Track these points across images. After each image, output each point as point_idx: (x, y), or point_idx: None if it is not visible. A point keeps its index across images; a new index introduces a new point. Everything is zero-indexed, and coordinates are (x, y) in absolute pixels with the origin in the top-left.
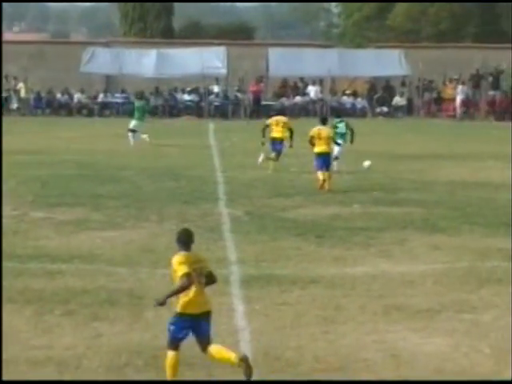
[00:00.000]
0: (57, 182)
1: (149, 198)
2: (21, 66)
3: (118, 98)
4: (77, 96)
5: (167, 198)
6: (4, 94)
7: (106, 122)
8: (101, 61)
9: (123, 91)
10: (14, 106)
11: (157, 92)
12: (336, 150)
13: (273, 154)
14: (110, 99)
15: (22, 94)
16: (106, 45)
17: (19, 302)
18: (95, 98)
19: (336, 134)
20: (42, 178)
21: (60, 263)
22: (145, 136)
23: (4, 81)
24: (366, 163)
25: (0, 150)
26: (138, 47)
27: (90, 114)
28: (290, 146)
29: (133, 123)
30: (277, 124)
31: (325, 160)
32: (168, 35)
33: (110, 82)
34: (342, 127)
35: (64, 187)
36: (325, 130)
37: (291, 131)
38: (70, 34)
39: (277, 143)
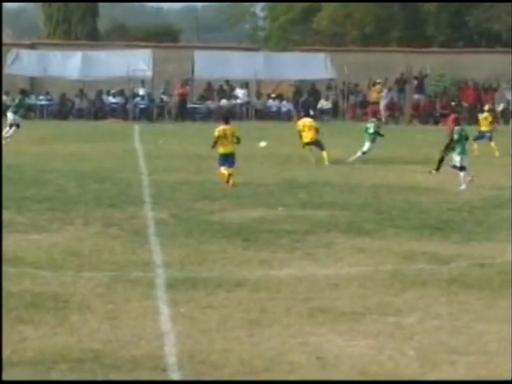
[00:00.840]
0: None
1: (74, 200)
2: None
3: (42, 100)
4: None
5: (92, 201)
6: None
7: (31, 124)
8: (25, 63)
9: (47, 93)
10: None
11: (82, 94)
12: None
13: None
14: (34, 101)
15: None
16: (31, 46)
17: None
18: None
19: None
20: None
21: None
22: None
23: None
24: (262, 144)
25: (0, 152)
26: (63, 49)
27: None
28: None
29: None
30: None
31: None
32: (93, 37)
33: (35, 84)
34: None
35: None
36: (230, 129)
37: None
38: None
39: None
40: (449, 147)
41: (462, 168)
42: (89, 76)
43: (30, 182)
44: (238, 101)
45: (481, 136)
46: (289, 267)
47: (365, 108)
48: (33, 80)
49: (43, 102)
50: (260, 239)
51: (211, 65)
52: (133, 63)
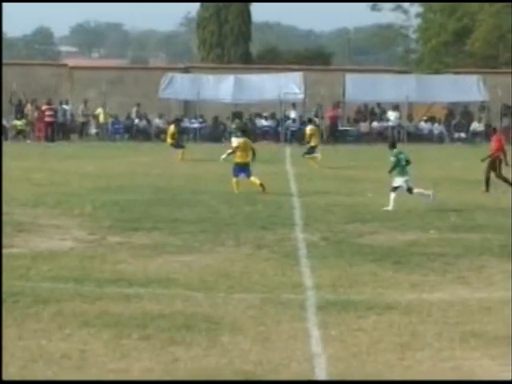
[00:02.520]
0: (135, 207)
1: (225, 222)
2: (100, 91)
3: (195, 123)
4: (155, 121)
5: (244, 223)
6: (83, 119)
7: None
8: (179, 86)
9: (201, 116)
10: (93, 131)
11: (234, 117)
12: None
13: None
14: (187, 124)
15: (101, 119)
16: (185, 70)
17: (97, 326)
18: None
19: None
20: (120, 203)
21: (137, 287)
22: None
23: (83, 106)
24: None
25: (0, 153)
26: (216, 73)
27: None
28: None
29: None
30: None
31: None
32: (246, 60)
33: (188, 108)
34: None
35: (142, 212)
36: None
37: None
38: (149, 59)
39: None
40: None
41: None
42: (241, 99)
43: (183, 203)
44: (390, 123)
45: None
46: (440, 291)
47: None
48: (186, 103)
49: (196, 125)
50: (411, 262)
51: (362, 87)
52: (284, 86)
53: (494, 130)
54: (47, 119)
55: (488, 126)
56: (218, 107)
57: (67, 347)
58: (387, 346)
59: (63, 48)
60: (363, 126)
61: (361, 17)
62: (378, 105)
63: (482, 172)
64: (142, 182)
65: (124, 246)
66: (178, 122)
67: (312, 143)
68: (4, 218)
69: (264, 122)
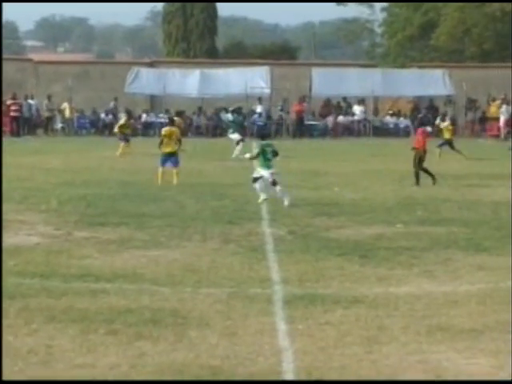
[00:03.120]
0: (101, 202)
1: (192, 217)
2: (65, 86)
3: (161, 117)
4: (121, 116)
5: (210, 218)
6: (48, 114)
7: (150, 141)
8: (145, 81)
9: (167, 111)
10: (59, 125)
11: (200, 112)
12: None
13: None
14: (153, 119)
15: (67, 114)
16: (151, 65)
17: (63, 321)
18: (139, 118)
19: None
20: (87, 198)
21: (104, 282)
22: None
23: (47, 101)
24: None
25: (0, 152)
26: (182, 67)
27: (134, 133)
28: None
29: None
30: None
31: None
32: (212, 55)
33: (154, 102)
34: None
35: (108, 206)
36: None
37: None
38: (115, 54)
39: None
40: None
41: None
42: (207, 93)
43: (149, 198)
44: (356, 117)
45: None
46: (407, 284)
47: (483, 124)
48: (152, 98)
49: (162, 120)
50: (378, 256)
51: (329, 82)
52: (250, 81)
53: (419, 124)
54: (12, 114)
55: (453, 119)
56: (184, 102)
57: (34, 342)
58: (354, 340)
59: (28, 42)
60: (329, 121)
61: (326, 11)
62: (344, 99)
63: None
64: (108, 176)
65: (90, 241)
66: (129, 114)
67: None
68: None
69: (230, 117)
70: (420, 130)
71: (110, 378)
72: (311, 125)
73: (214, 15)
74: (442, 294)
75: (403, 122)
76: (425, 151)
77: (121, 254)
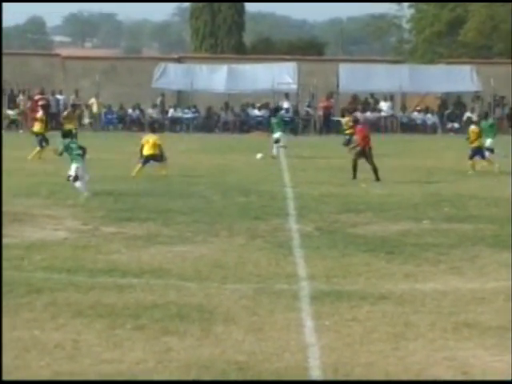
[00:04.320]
0: (128, 197)
1: (219, 212)
2: (93, 81)
3: (188, 113)
4: (148, 111)
5: (237, 214)
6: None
7: (177, 137)
8: (172, 76)
9: (194, 107)
10: (86, 121)
11: (227, 107)
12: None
13: None
14: (180, 114)
15: (94, 109)
16: (178, 60)
17: (90, 316)
18: (166, 113)
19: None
20: (114, 193)
21: (131, 277)
22: None
23: (74, 96)
24: (259, 156)
25: (0, 152)
26: (209, 63)
27: (161, 129)
28: None
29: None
30: None
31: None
32: (239, 51)
33: (181, 98)
34: None
35: (135, 202)
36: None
37: None
38: (142, 49)
39: None
40: None
41: None
42: (234, 89)
43: (176, 194)
44: (383, 113)
45: None
46: (434, 281)
47: (511, 120)
48: (179, 93)
49: (189, 115)
50: (404, 252)
51: (356, 77)
52: (278, 76)
53: (356, 121)
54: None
55: (480, 116)
56: (211, 97)
57: (60, 337)
58: (381, 336)
59: (56, 38)
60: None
61: (354, 7)
62: (372, 95)
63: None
64: (138, 173)
65: (117, 237)
66: (74, 106)
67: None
68: None
69: (257, 112)
70: (359, 127)
71: (137, 372)
72: (338, 121)
73: (241, 11)
74: (468, 290)
75: (430, 118)
76: (369, 146)
77: (148, 249)
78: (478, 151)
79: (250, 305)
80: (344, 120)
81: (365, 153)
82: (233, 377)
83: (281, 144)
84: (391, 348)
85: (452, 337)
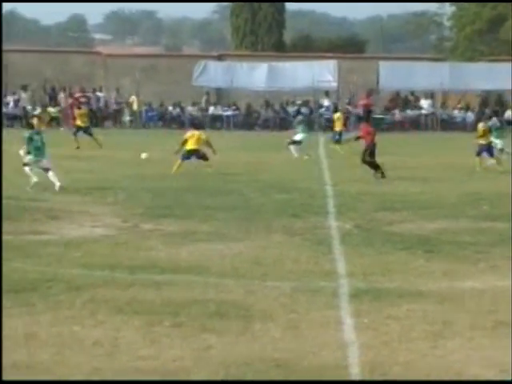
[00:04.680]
0: (166, 194)
1: (257, 210)
2: (133, 78)
3: (228, 110)
4: (188, 109)
5: (276, 211)
6: (116, 107)
7: (217, 134)
8: (212, 74)
9: (234, 104)
10: (127, 118)
11: (267, 105)
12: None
13: None
14: (220, 112)
15: (134, 107)
16: (218, 58)
17: (128, 313)
18: (206, 110)
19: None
20: (153, 190)
21: (169, 274)
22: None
23: (115, 94)
24: (143, 155)
25: (0, 150)
26: (249, 60)
27: (202, 126)
28: None
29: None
30: None
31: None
32: (279, 48)
33: (221, 95)
34: None
35: (173, 199)
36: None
37: None
38: (183, 47)
39: None
40: None
41: None
42: (274, 87)
43: (215, 191)
44: (423, 111)
45: None
46: (472, 279)
47: None
48: (219, 91)
49: (230, 113)
50: (442, 251)
51: (396, 75)
52: (318, 74)
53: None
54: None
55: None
56: (251, 95)
57: (99, 334)
58: (419, 335)
59: (97, 35)
60: (397, 114)
61: (394, 4)
62: (412, 93)
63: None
64: (176, 170)
65: (155, 233)
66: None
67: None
68: (36, 204)
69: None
70: (363, 125)
71: (174, 370)
72: (378, 118)
73: (281, 9)
74: (508, 289)
75: (470, 115)
76: (374, 143)
77: (186, 246)
78: (487, 148)
79: (288, 302)
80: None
81: (372, 148)
82: (271, 375)
83: (299, 146)
84: (430, 346)
85: (491, 335)
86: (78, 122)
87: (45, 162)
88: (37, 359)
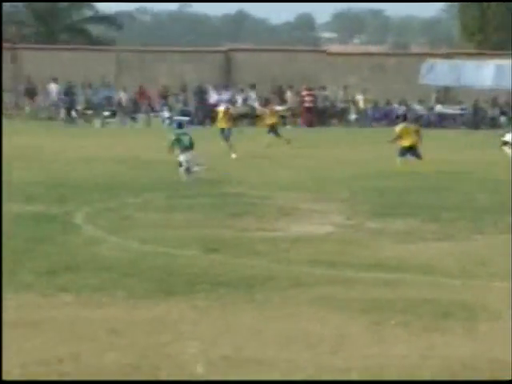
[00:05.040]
0: (392, 193)
1: (484, 209)
2: (360, 77)
3: (456, 109)
4: (414, 107)
5: (503, 210)
6: (343, 105)
7: (441, 133)
8: (439, 72)
9: (460, 102)
10: (353, 117)
11: (494, 104)
12: None
13: None
14: (448, 111)
15: (361, 105)
16: (446, 56)
17: (354, 311)
18: (431, 109)
19: None
20: (378, 189)
21: (395, 273)
22: None
23: (342, 92)
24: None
25: (0, 150)
26: (476, 59)
27: (428, 125)
28: None
29: None
30: None
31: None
32: (507, 47)
33: (448, 94)
34: None
35: (399, 197)
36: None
37: None
38: (410, 45)
39: None
40: None
41: None
42: (502, 85)
43: (440, 190)
44: None
45: None
46: None
47: None
48: (446, 89)
49: (457, 111)
50: None
51: None
52: None
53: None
54: (307, 105)
55: None
56: (477, 93)
57: (324, 331)
58: None
59: (324, 34)
60: None
61: None
62: None
63: None
64: (399, 168)
65: (381, 232)
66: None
67: None
68: (267, 201)
69: None
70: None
71: (401, 367)
72: None
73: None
74: None
75: None
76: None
77: (411, 245)
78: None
79: None
80: None
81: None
82: (494, 375)
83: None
84: None
85: None
86: (272, 121)
87: (191, 159)
88: (262, 356)
